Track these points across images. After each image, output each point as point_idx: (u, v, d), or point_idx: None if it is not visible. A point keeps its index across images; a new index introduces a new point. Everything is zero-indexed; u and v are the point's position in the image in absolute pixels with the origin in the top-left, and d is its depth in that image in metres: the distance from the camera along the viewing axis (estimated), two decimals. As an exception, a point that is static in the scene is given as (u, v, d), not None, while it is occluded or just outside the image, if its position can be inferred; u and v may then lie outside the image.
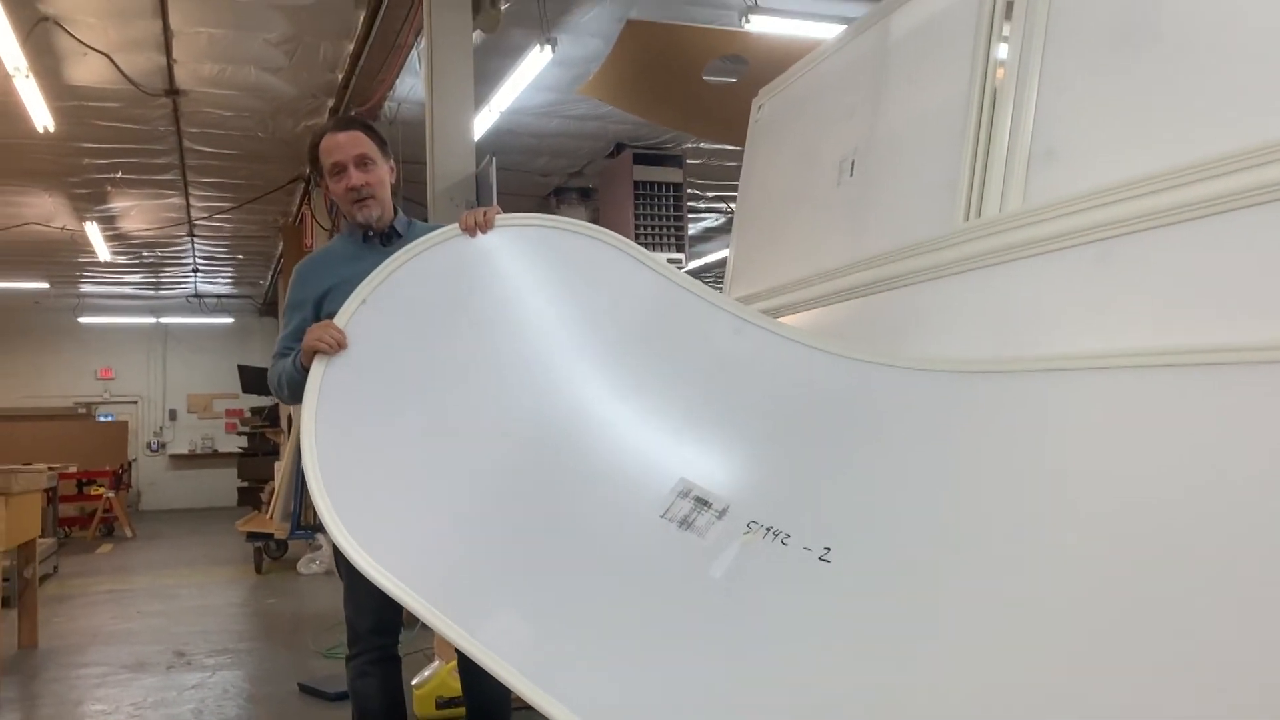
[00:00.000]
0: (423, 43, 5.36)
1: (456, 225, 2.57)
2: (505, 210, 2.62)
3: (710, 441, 2.32)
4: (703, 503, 2.16)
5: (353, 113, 7.34)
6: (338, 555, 2.51)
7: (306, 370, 2.42)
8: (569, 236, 2.59)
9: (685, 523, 2.14)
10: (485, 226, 2.55)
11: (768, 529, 2.04)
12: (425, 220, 3.01)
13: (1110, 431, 1.70)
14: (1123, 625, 1.48)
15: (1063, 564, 1.63)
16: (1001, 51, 2.28)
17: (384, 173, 2.69)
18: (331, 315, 2.50)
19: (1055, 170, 2.03)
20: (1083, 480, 1.69)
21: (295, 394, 2.52)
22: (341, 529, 2.16)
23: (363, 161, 2.62)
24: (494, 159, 4.66)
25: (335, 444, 2.31)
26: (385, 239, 2.69)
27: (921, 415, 2.08)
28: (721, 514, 2.12)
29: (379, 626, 2.64)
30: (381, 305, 2.48)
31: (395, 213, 2.74)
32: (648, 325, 2.50)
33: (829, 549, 1.94)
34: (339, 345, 2.40)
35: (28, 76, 6.30)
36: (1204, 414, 1.57)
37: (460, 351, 2.47)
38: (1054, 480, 1.73)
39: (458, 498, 2.26)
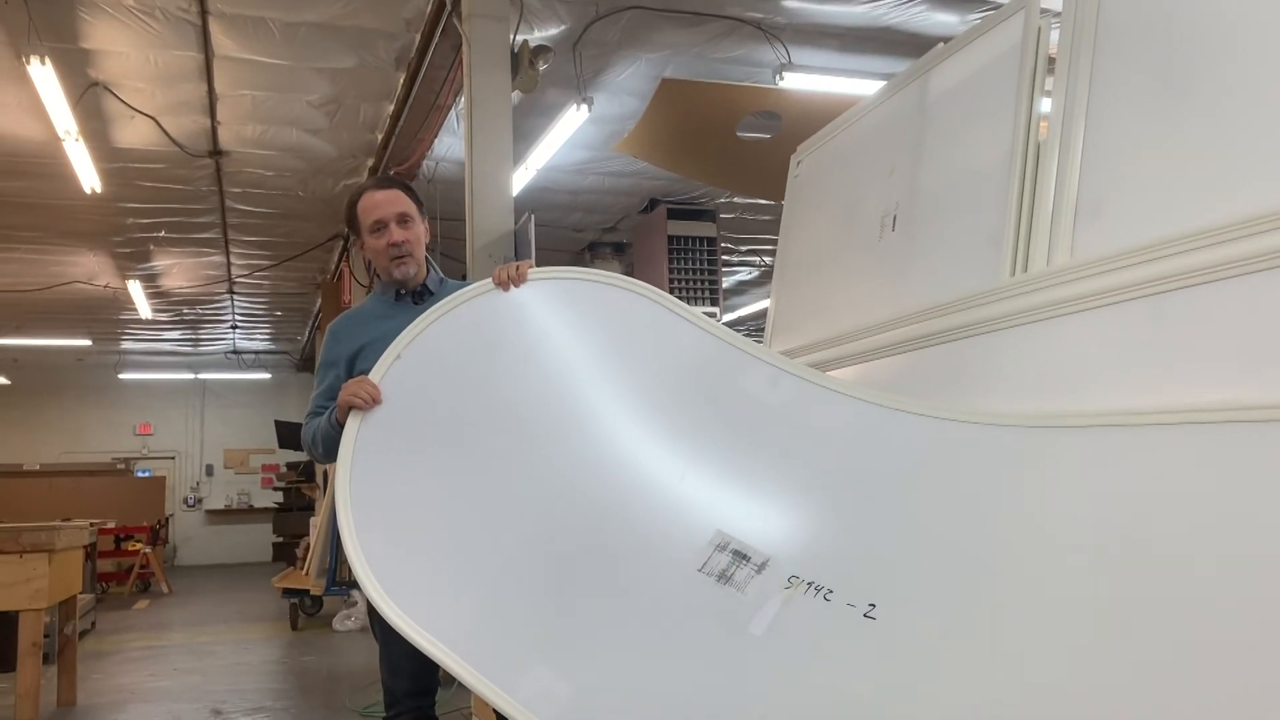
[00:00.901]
0: (462, 103, 5.45)
1: (490, 280, 2.58)
2: (540, 265, 2.63)
3: (749, 493, 2.29)
4: (741, 556, 2.13)
5: (391, 172, 7.46)
6: (373, 614, 2.50)
7: (342, 426, 2.43)
8: (601, 289, 2.60)
9: (724, 577, 2.11)
10: (518, 280, 2.56)
11: (809, 584, 2.01)
12: (460, 278, 3.02)
13: (1164, 490, 1.66)
14: (1185, 688, 1.44)
15: (1117, 623, 1.58)
16: (1045, 105, 2.28)
17: (421, 231, 2.72)
18: (365, 373, 2.50)
19: (1103, 224, 2.02)
20: (1135, 539, 1.65)
21: (330, 451, 2.52)
22: (376, 585, 2.14)
23: (403, 219, 2.66)
24: (533, 216, 4.70)
25: (370, 499, 2.30)
26: (418, 297, 2.72)
27: (966, 468, 2.05)
28: (761, 568, 2.09)
29: (415, 687, 2.62)
30: (416, 360, 2.49)
31: (428, 271, 2.76)
32: (682, 376, 2.49)
33: (874, 605, 1.90)
34: (374, 400, 2.40)
35: (77, 140, 6.47)
36: (1263, 471, 1.53)
37: (495, 405, 2.46)
38: (1104, 537, 1.69)
39: (493, 553, 2.25)
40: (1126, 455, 1.75)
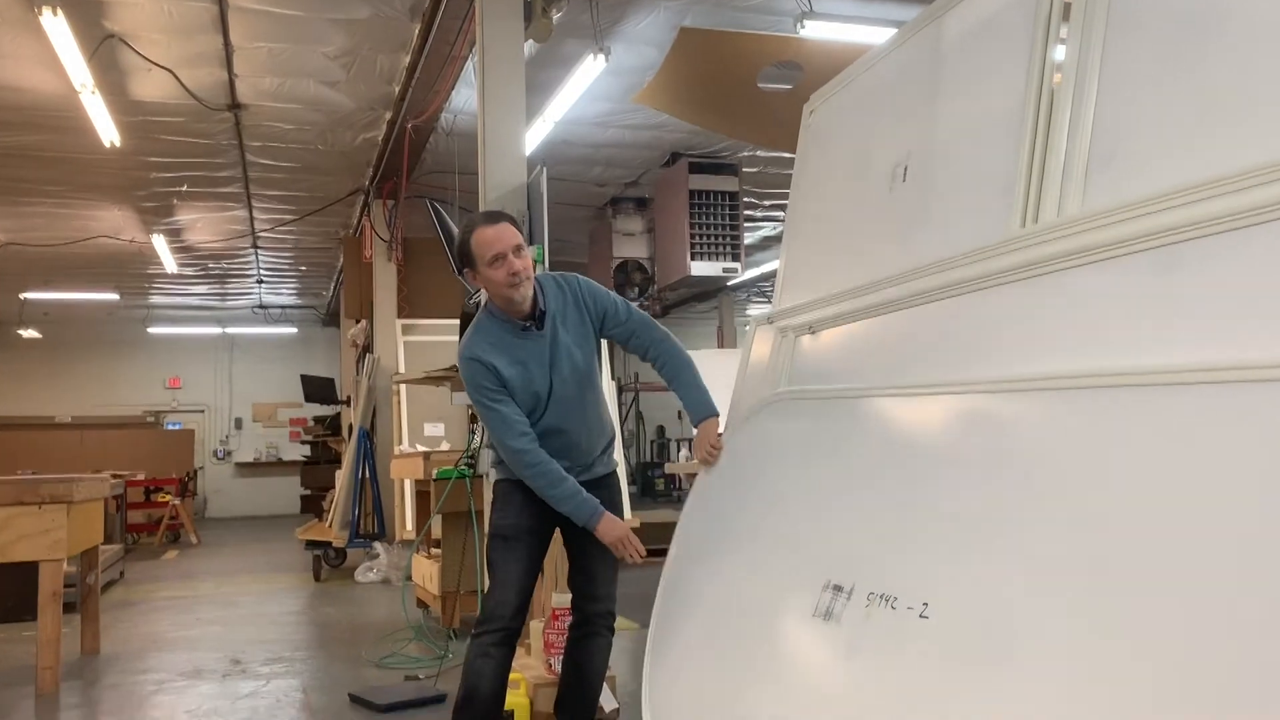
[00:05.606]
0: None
1: (703, 468, 3.03)
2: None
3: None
4: (837, 589, 2.16)
5: (409, 125, 7.42)
6: (492, 538, 3.01)
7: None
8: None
9: (829, 615, 2.15)
10: (715, 452, 2.98)
11: (881, 597, 2.00)
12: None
13: (1180, 451, 1.59)
14: (1203, 663, 1.38)
15: (1124, 591, 1.53)
16: (1059, 51, 2.19)
17: (528, 254, 2.97)
18: (524, 393, 2.92)
19: (1116, 173, 1.94)
20: (1146, 503, 1.59)
21: (550, 490, 2.91)
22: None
23: (518, 250, 2.89)
24: (544, 168, 4.64)
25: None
26: (540, 323, 2.97)
27: (971, 439, 2.02)
28: (850, 595, 2.10)
29: (521, 606, 2.96)
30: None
31: (535, 293, 2.98)
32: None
33: (926, 604, 1.87)
34: (641, 559, 2.93)
35: (94, 93, 6.45)
36: (1276, 431, 1.46)
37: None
38: (1124, 505, 1.63)
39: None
40: (1136, 416, 1.69)
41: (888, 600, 1.96)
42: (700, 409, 3.02)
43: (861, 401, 2.46)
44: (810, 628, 2.15)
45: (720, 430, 3.00)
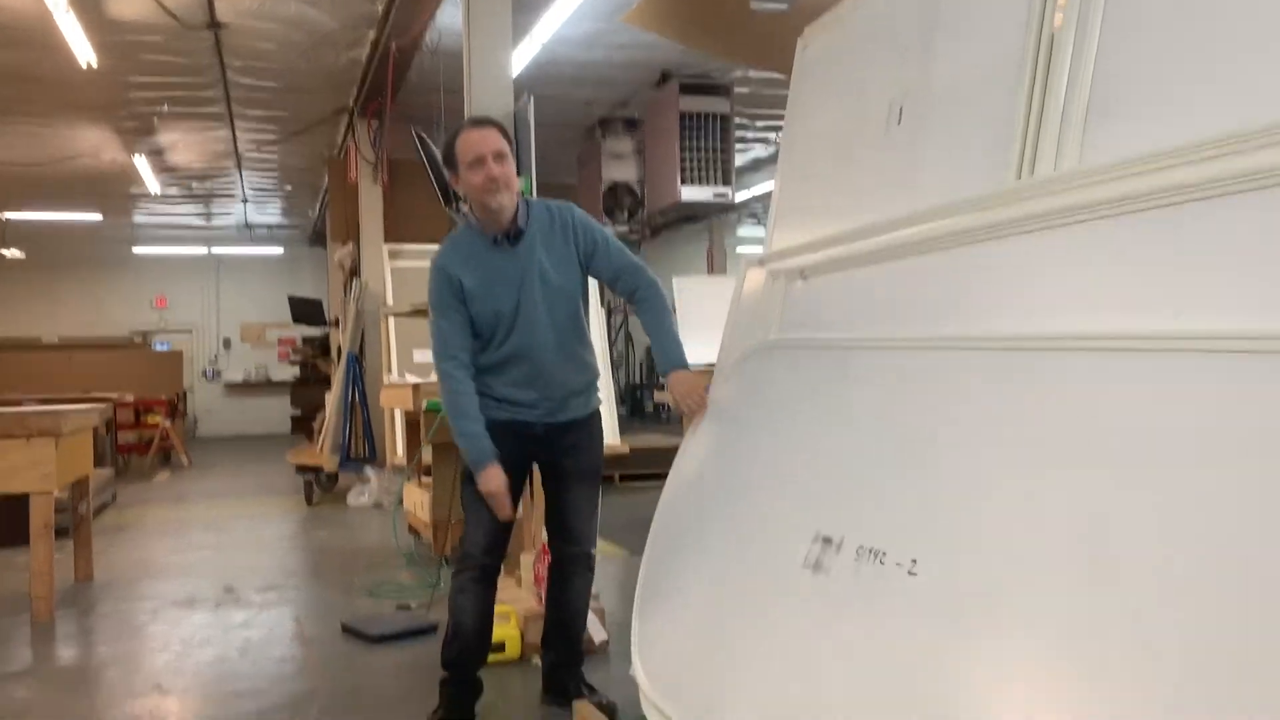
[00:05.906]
0: (461, -27, 5.21)
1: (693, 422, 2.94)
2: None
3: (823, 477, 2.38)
4: (826, 540, 2.14)
5: (394, 45, 7.25)
6: (466, 479, 2.96)
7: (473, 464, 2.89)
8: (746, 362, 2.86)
9: (818, 566, 2.13)
10: (702, 402, 2.90)
11: (870, 551, 1.99)
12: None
13: (1176, 418, 1.57)
14: (1222, 645, 1.36)
15: (1135, 557, 1.52)
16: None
17: (513, 166, 2.93)
18: (484, 308, 2.91)
19: (1115, 125, 1.89)
20: (1149, 467, 1.57)
21: (456, 428, 2.91)
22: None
23: (499, 156, 2.87)
24: (531, 97, 4.54)
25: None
26: (513, 239, 2.93)
27: (960, 397, 2.01)
28: (839, 547, 2.08)
29: (493, 545, 3.00)
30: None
31: (517, 209, 2.94)
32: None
33: (915, 561, 1.87)
34: (506, 515, 2.94)
35: (68, 10, 6.26)
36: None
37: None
38: (1117, 468, 1.61)
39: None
40: (1132, 383, 1.67)
41: (876, 555, 1.96)
42: (672, 358, 3.00)
43: (852, 353, 2.44)
44: (799, 578, 2.16)
45: (698, 378, 2.99)
